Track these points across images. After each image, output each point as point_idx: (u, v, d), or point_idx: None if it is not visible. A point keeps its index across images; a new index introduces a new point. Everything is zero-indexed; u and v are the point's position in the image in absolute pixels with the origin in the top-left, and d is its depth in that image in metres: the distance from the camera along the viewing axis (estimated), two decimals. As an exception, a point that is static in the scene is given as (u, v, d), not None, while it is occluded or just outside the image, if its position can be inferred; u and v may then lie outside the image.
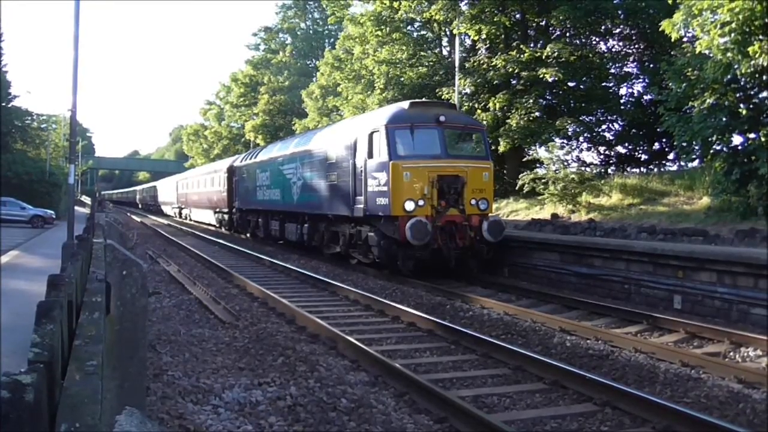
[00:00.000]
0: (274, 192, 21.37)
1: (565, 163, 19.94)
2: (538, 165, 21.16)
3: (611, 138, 25.77)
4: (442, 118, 13.75)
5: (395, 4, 25.31)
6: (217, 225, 32.32)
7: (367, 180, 14.03)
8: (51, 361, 1.43)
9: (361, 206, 14.17)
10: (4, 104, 38.57)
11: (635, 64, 25.00)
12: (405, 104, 14.82)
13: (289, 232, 20.06)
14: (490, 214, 14.05)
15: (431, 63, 26.65)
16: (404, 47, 26.74)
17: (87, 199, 66.72)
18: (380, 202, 13.58)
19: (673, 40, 14.66)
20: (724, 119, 13.39)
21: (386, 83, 26.32)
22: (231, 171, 28.48)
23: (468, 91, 23.81)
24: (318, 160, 17.29)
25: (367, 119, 15.95)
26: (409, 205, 13.12)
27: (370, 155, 14.03)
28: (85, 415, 1.23)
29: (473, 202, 13.61)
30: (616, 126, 25.58)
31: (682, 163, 20.94)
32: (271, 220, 22.45)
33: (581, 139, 24.68)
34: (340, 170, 15.57)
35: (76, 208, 18.54)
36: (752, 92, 13.49)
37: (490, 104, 22.58)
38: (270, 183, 21.98)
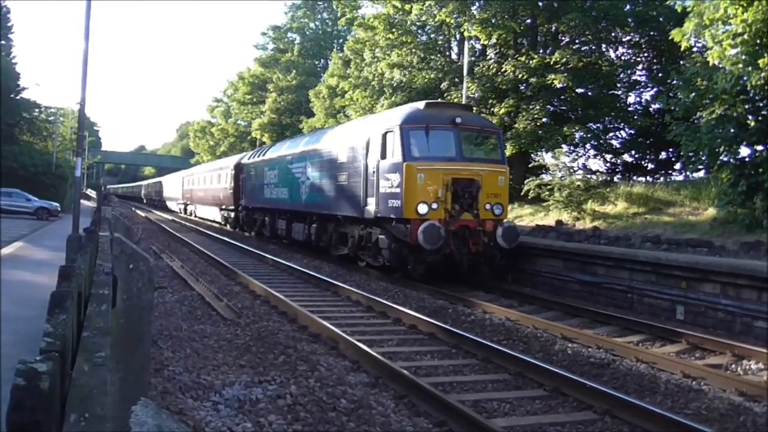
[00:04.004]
0: (282, 190, 21.19)
1: (571, 170, 19.92)
2: (543, 171, 21.13)
3: (618, 146, 25.73)
4: (458, 120, 13.45)
5: (407, 7, 25.33)
6: (223, 222, 32.33)
7: (379, 181, 13.75)
8: (63, 351, 1.44)
9: (372, 208, 13.92)
10: (12, 95, 38.71)
11: (644, 72, 24.97)
12: (420, 105, 14.52)
13: (296, 231, 19.79)
14: (504, 220, 13.74)
15: (440, 66, 26.65)
16: (415, 50, 26.76)
17: (92, 193, 66.91)
18: (392, 204, 13.30)
19: (682, 49, 14.64)
20: (732, 130, 13.36)
21: (396, 87, 26.31)
22: (238, 168, 28.44)
23: (476, 95, 23.79)
24: (328, 160, 17.03)
25: (380, 119, 15.67)
26: (422, 208, 12.82)
27: (383, 156, 13.76)
28: (95, 405, 1.24)
29: (488, 206, 13.29)
30: (624, 134, 25.55)
31: (689, 173, 20.89)
32: (277, 218, 22.23)
33: (588, 146, 24.66)
34: (351, 170, 15.32)
35: (81, 201, 18.60)
36: (761, 104, 13.46)
37: (497, 109, 22.57)
38: (278, 181, 21.80)
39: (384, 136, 13.83)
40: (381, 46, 27.62)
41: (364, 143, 14.64)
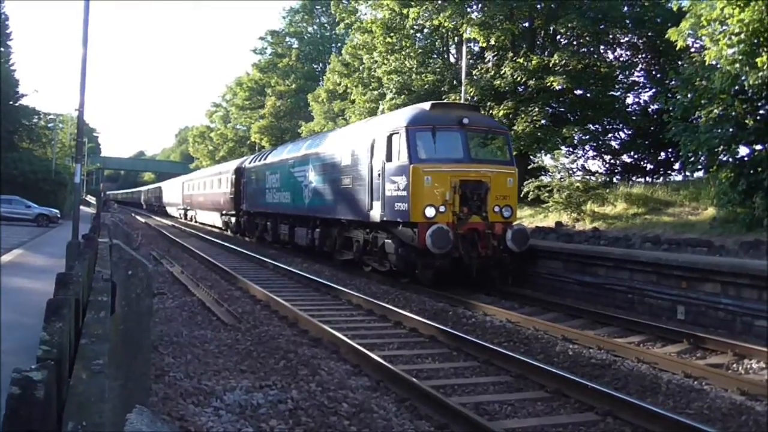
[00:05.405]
0: (284, 195, 20.97)
1: (570, 172, 19.92)
2: (543, 173, 21.14)
3: (617, 147, 25.75)
4: (465, 121, 13.12)
5: (405, 11, 25.36)
6: (224, 227, 32.28)
7: (384, 184, 13.45)
8: (60, 359, 1.44)
9: (378, 211, 13.64)
10: (12, 102, 38.74)
11: (642, 73, 25.01)
12: (426, 105, 14.22)
13: (299, 236, 19.52)
14: (514, 222, 13.51)
15: (438, 69, 26.68)
16: (413, 54, 26.77)
17: (92, 199, 66.95)
18: (399, 207, 13.03)
19: (678, 47, 14.67)
20: (730, 130, 13.38)
21: (396, 92, 26.32)
22: (239, 173, 28.35)
23: (475, 98, 23.80)
24: (331, 163, 16.77)
25: (385, 120, 15.37)
26: (430, 212, 12.54)
27: (389, 158, 13.44)
28: (92, 413, 1.23)
29: (497, 209, 12.97)
30: (622, 135, 25.57)
31: (688, 173, 20.90)
32: (280, 223, 22.01)
33: (587, 147, 24.67)
34: (355, 173, 15.04)
35: (81, 207, 18.61)
36: (759, 104, 13.48)
37: (495, 111, 22.59)
38: (280, 185, 21.59)
39: (389, 137, 13.55)
40: (380, 50, 27.61)
41: (369, 145, 14.34)
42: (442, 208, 12.63)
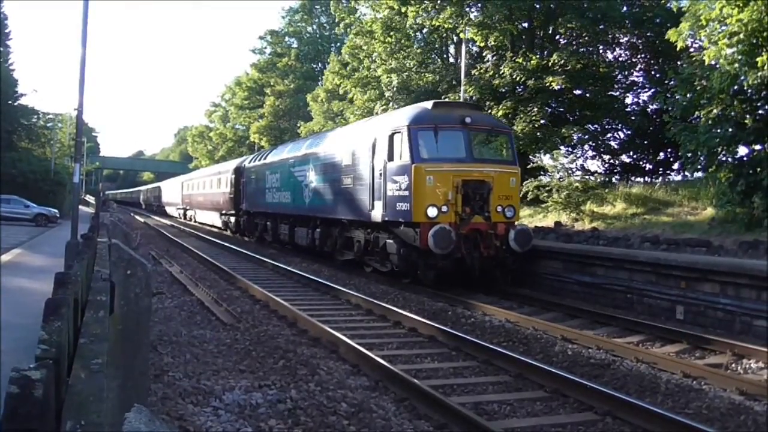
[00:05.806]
0: (285, 194, 20.90)
1: (570, 172, 19.93)
2: (542, 173, 21.15)
3: (616, 147, 25.77)
4: (467, 120, 13.01)
5: (404, 10, 25.36)
6: (223, 227, 32.25)
7: (386, 184, 13.33)
8: (58, 358, 1.44)
9: (379, 211, 13.54)
10: (10, 102, 38.69)
11: (641, 73, 25.03)
12: (428, 104, 14.05)
13: (300, 236, 19.46)
14: (516, 222, 13.44)
15: (438, 69, 26.68)
16: (412, 54, 26.76)
17: (91, 199, 66.90)
18: (400, 207, 12.96)
19: (678, 48, 14.67)
20: (729, 130, 13.38)
21: (396, 91, 26.32)
22: (238, 172, 28.29)
23: (474, 98, 23.80)
24: (332, 162, 16.68)
25: (387, 120, 15.22)
26: (432, 212, 12.44)
27: (390, 158, 13.33)
28: (91, 413, 1.23)
29: (499, 209, 12.88)
30: (621, 135, 25.59)
31: (687, 173, 20.90)
32: (280, 223, 21.95)
33: (586, 147, 24.69)
34: (356, 173, 14.95)
35: (80, 207, 18.60)
36: (758, 104, 13.49)
37: (494, 111, 22.60)
38: (280, 185, 21.53)
39: (391, 137, 13.43)
40: (379, 52, 27.58)
41: (370, 145, 14.23)
42: (444, 208, 12.55)
